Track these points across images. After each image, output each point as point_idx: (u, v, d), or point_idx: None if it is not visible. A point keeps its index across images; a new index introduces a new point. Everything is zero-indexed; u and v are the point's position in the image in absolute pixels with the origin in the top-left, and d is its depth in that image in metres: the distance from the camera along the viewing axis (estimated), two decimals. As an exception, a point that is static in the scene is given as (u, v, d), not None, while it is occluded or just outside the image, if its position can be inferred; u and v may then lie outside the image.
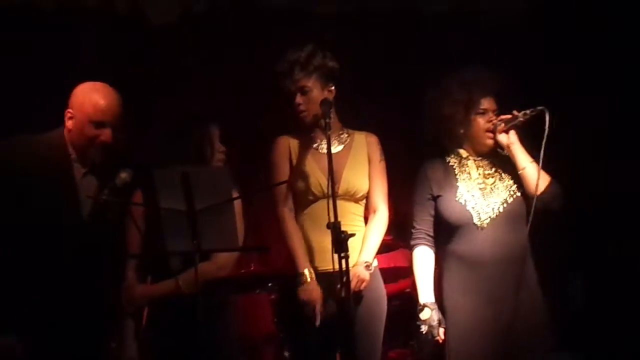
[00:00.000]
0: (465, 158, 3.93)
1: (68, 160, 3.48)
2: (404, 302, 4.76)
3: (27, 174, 3.37)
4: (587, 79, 5.27)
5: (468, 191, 3.85)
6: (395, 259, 4.90)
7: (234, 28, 5.31)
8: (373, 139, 3.96)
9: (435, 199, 3.88)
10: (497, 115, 3.87)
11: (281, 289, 4.16)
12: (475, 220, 3.80)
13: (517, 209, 3.83)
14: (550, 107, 3.69)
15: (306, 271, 3.73)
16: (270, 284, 4.75)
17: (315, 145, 3.88)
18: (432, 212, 3.89)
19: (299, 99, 3.80)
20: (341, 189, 3.78)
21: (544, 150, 3.66)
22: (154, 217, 3.48)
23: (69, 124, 3.48)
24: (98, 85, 3.52)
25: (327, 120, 3.66)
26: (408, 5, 5.33)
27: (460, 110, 3.85)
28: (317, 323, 3.66)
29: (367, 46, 5.27)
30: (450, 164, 3.93)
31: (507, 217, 3.81)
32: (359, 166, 3.88)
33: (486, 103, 3.88)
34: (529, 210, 3.75)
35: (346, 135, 3.93)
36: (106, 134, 3.45)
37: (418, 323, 3.79)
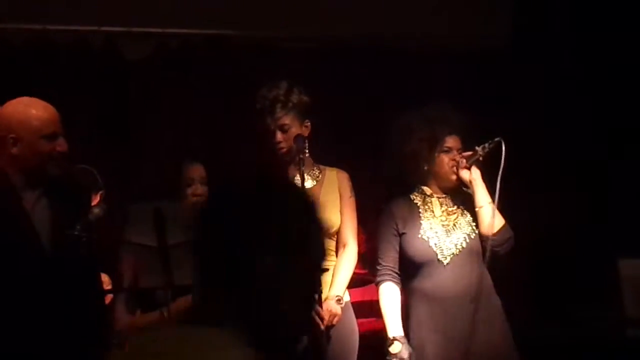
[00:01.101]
0: (429, 196, 3.95)
1: (14, 193, 3.23)
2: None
3: None
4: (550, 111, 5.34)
5: (431, 228, 3.87)
6: (370, 293, 4.89)
7: (205, 63, 5.34)
8: (344, 175, 3.99)
9: (400, 235, 3.90)
10: (461, 152, 3.90)
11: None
12: (440, 257, 3.82)
13: (477, 244, 3.87)
14: (511, 141, 3.74)
15: None
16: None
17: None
18: (397, 249, 3.91)
19: (279, 137, 3.81)
20: None
21: (501, 183, 3.71)
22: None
23: (13, 150, 3.20)
24: (26, 100, 3.29)
25: (301, 157, 3.70)
26: (375, 41, 5.38)
27: (424, 148, 3.88)
28: (326, 321, 3.65)
29: (335, 80, 5.32)
30: (415, 201, 3.95)
31: (470, 252, 3.85)
32: (331, 202, 3.90)
33: (451, 141, 3.91)
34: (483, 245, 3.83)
35: (318, 172, 3.96)
36: (61, 143, 3.25)
37: (388, 358, 3.78)
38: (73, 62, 5.15)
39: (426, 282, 3.83)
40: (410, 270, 3.88)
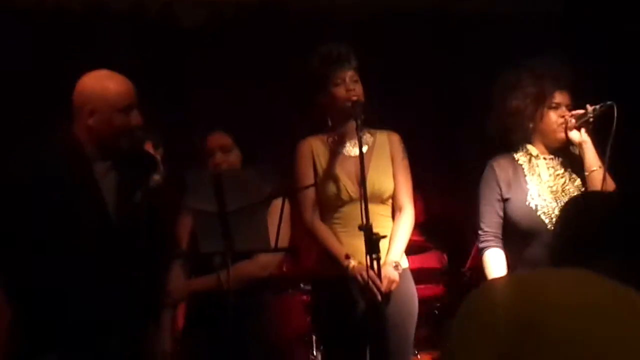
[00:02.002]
0: (535, 156, 3.74)
1: (87, 162, 3.31)
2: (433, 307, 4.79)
3: (47, 185, 3.22)
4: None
5: (539, 195, 3.66)
6: (426, 261, 4.89)
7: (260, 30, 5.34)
8: (395, 138, 3.93)
9: (504, 200, 3.71)
10: (571, 110, 3.70)
11: (314, 289, 4.14)
12: (549, 226, 3.59)
13: None
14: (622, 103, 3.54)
15: (351, 259, 3.69)
16: (302, 285, 4.78)
17: (339, 149, 3.87)
18: (501, 214, 3.70)
19: (352, 85, 3.76)
20: (368, 191, 3.68)
21: (611, 149, 3.53)
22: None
23: (90, 121, 3.27)
24: (104, 72, 3.35)
25: (359, 122, 3.66)
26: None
27: (529, 104, 3.69)
28: (383, 288, 3.58)
29: (395, 47, 5.28)
30: (520, 162, 3.75)
31: None
32: (384, 166, 3.86)
33: (559, 97, 3.70)
34: None
35: (368, 136, 3.91)
36: (136, 116, 3.31)
37: None
38: (129, 29, 5.18)
39: (533, 252, 3.58)
40: (515, 237, 3.67)
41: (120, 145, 3.31)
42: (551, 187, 3.70)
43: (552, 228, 3.52)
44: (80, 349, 3.23)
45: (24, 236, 3.21)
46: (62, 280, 3.23)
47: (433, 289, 4.93)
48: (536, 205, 3.65)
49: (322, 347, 4.62)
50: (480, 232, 3.74)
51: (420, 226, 3.98)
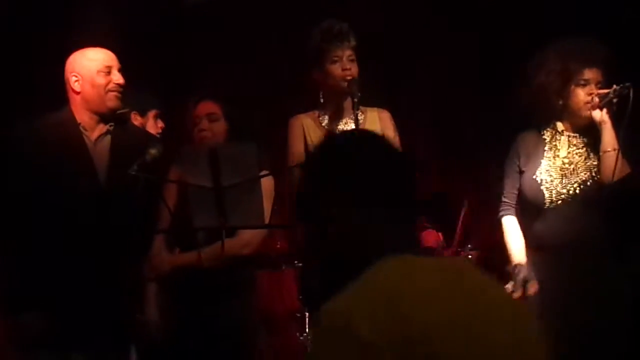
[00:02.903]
0: (560, 132, 3.82)
1: (78, 130, 3.53)
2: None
3: (42, 155, 3.48)
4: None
5: (547, 170, 3.78)
6: (422, 240, 4.90)
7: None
8: (385, 115, 3.92)
9: (520, 172, 3.84)
10: (602, 87, 3.71)
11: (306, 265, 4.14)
12: (547, 202, 3.74)
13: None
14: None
15: None
16: (296, 262, 4.79)
17: (331, 126, 3.86)
18: (518, 185, 3.86)
19: (348, 64, 3.75)
20: None
21: (626, 131, 3.57)
22: (184, 193, 3.52)
23: (75, 86, 3.54)
24: (89, 47, 3.63)
25: (355, 100, 3.66)
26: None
27: (556, 81, 3.73)
28: None
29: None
30: (544, 137, 3.85)
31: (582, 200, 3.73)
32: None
33: (589, 74, 3.72)
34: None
35: (359, 113, 3.84)
36: (117, 75, 3.55)
37: (512, 282, 3.73)
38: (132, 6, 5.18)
39: (536, 225, 3.77)
40: (526, 209, 3.84)
41: (107, 104, 3.54)
42: (564, 164, 3.78)
43: (551, 203, 3.71)
44: (65, 310, 3.37)
45: (13, 201, 3.44)
46: (48, 248, 3.40)
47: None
48: (541, 180, 3.78)
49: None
50: (500, 202, 3.89)
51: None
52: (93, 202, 3.45)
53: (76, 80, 3.55)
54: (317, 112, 3.89)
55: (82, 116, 3.56)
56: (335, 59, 3.75)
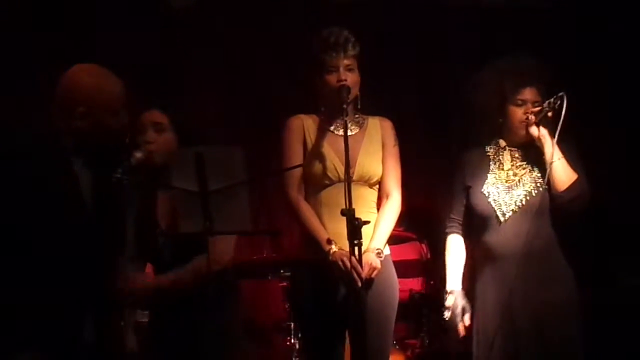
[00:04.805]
0: (502, 148, 3.93)
1: (65, 157, 3.23)
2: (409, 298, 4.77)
3: (28, 170, 3.14)
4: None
5: (494, 184, 3.86)
6: (404, 252, 4.87)
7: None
8: (387, 124, 3.91)
9: (466, 188, 3.91)
10: (540, 105, 3.80)
11: (293, 274, 4.08)
12: (498, 214, 3.81)
13: (540, 201, 3.79)
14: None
15: (332, 244, 3.66)
16: (282, 271, 4.75)
17: (331, 128, 3.84)
18: (464, 202, 3.93)
19: (344, 75, 3.72)
20: (356, 173, 3.73)
21: (559, 138, 3.67)
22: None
23: (79, 123, 3.20)
24: (96, 71, 3.26)
25: (345, 107, 3.64)
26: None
27: (493, 101, 3.84)
28: (364, 274, 3.55)
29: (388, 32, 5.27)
30: (488, 154, 3.95)
31: (530, 210, 3.79)
32: (374, 150, 3.83)
33: (525, 94, 3.82)
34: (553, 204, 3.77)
35: (361, 120, 3.89)
36: (125, 117, 3.29)
37: (443, 309, 3.84)
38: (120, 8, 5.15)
39: (486, 238, 3.84)
40: (473, 223, 3.91)
41: (107, 145, 3.27)
42: (509, 176, 3.87)
43: (502, 215, 3.80)
44: (52, 344, 3.16)
45: None
46: (32, 272, 3.13)
47: (409, 283, 4.90)
48: (488, 193, 3.86)
49: (300, 334, 4.59)
50: (447, 220, 3.99)
51: (400, 216, 3.92)
52: (79, 228, 3.20)
53: (82, 117, 3.19)
54: (317, 116, 3.86)
55: (70, 140, 3.22)
56: (332, 69, 3.74)
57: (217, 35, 5.29)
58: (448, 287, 3.88)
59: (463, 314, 3.82)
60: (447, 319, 3.83)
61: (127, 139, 3.42)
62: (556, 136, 3.70)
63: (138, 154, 3.45)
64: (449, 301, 3.84)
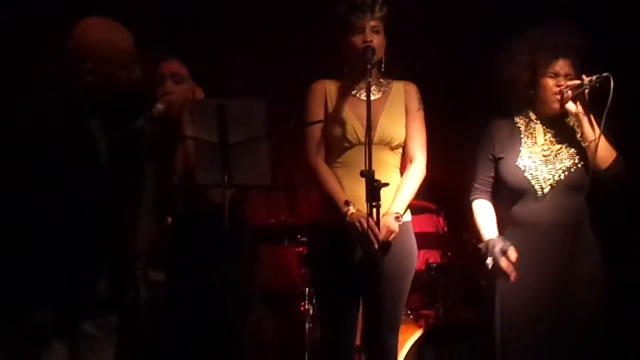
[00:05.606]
0: (533, 120, 3.86)
1: (84, 115, 3.20)
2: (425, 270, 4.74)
3: (43, 128, 3.11)
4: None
5: (529, 157, 3.80)
6: (421, 224, 4.80)
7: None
8: (411, 88, 3.88)
9: (496, 160, 3.85)
10: (572, 78, 3.74)
11: (311, 237, 4.05)
12: (536, 188, 3.75)
13: (578, 178, 3.75)
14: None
15: (350, 205, 3.64)
16: (299, 236, 4.74)
17: (353, 92, 3.81)
18: (492, 174, 3.87)
19: (370, 36, 3.70)
20: (376, 136, 3.70)
21: (606, 119, 3.57)
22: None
23: (89, 77, 3.16)
24: (104, 23, 3.21)
25: (369, 67, 3.61)
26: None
27: (523, 74, 3.78)
28: (381, 237, 3.52)
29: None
30: (518, 125, 3.88)
31: (567, 185, 3.75)
32: (396, 114, 3.80)
33: (558, 66, 3.76)
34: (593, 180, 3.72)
35: (385, 83, 3.86)
36: (137, 70, 3.24)
37: (487, 262, 3.74)
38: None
39: (521, 211, 3.78)
40: (504, 196, 3.84)
41: (120, 100, 3.23)
42: (545, 151, 3.81)
43: (540, 189, 3.74)
44: (66, 298, 3.16)
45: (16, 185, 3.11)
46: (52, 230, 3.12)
47: (425, 254, 4.86)
48: (525, 167, 3.79)
49: (314, 297, 4.59)
50: (472, 187, 3.90)
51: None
52: (94, 184, 3.18)
53: (91, 72, 3.14)
54: (340, 81, 3.84)
55: (86, 97, 3.17)
56: (357, 30, 3.71)
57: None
58: (485, 237, 3.79)
59: (504, 254, 3.71)
60: (490, 267, 3.72)
61: (146, 91, 3.42)
62: (602, 123, 3.60)
63: (160, 105, 3.44)
64: (497, 246, 3.72)
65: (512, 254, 3.71)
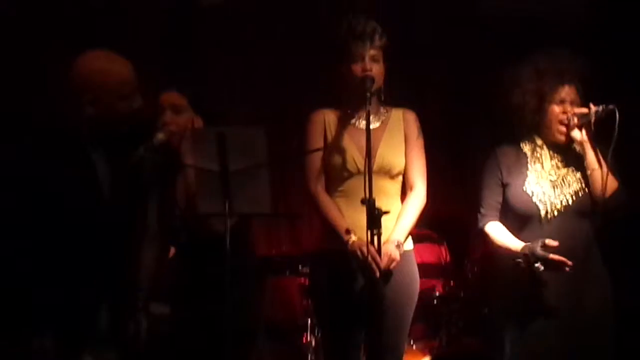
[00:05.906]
0: (539, 146, 3.85)
1: (85, 151, 3.26)
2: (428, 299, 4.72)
3: (45, 162, 3.18)
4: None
5: (537, 182, 3.78)
6: (422, 255, 4.80)
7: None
8: (410, 115, 3.88)
9: (503, 186, 3.82)
10: (578, 105, 3.74)
11: (313, 267, 4.01)
12: (542, 213, 3.73)
13: (586, 202, 3.74)
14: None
15: (352, 234, 3.63)
16: (300, 267, 4.73)
17: (352, 121, 3.81)
18: (500, 199, 3.83)
19: (369, 65, 3.70)
20: (376, 164, 3.69)
21: (613, 152, 3.58)
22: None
23: (89, 110, 3.21)
24: (103, 55, 3.26)
25: (367, 95, 3.61)
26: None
27: (529, 101, 3.77)
28: (383, 265, 3.51)
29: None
30: (524, 150, 3.86)
31: (575, 210, 3.73)
32: (395, 142, 3.81)
33: (564, 92, 3.76)
34: (594, 209, 3.70)
35: (384, 112, 3.86)
36: (138, 101, 3.30)
37: (536, 265, 3.63)
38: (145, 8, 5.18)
39: (529, 237, 3.71)
40: (512, 222, 3.80)
41: (121, 130, 3.27)
42: (551, 176, 3.80)
43: (546, 214, 3.72)
44: (67, 330, 3.18)
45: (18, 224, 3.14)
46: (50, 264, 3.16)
47: (428, 283, 4.85)
48: (532, 192, 3.77)
49: (316, 327, 4.57)
50: (479, 214, 3.86)
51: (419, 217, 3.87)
52: (95, 217, 3.23)
53: (91, 104, 3.21)
54: (338, 110, 3.84)
55: (86, 131, 3.25)
56: (357, 58, 3.72)
57: (241, 17, 5.29)
58: (518, 248, 3.68)
59: (546, 249, 3.60)
60: (542, 268, 3.61)
61: (147, 120, 3.45)
62: (609, 155, 3.61)
63: (160, 135, 3.46)
64: (535, 248, 3.61)
65: (551, 241, 3.62)
